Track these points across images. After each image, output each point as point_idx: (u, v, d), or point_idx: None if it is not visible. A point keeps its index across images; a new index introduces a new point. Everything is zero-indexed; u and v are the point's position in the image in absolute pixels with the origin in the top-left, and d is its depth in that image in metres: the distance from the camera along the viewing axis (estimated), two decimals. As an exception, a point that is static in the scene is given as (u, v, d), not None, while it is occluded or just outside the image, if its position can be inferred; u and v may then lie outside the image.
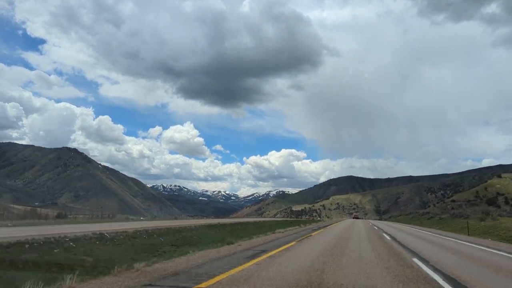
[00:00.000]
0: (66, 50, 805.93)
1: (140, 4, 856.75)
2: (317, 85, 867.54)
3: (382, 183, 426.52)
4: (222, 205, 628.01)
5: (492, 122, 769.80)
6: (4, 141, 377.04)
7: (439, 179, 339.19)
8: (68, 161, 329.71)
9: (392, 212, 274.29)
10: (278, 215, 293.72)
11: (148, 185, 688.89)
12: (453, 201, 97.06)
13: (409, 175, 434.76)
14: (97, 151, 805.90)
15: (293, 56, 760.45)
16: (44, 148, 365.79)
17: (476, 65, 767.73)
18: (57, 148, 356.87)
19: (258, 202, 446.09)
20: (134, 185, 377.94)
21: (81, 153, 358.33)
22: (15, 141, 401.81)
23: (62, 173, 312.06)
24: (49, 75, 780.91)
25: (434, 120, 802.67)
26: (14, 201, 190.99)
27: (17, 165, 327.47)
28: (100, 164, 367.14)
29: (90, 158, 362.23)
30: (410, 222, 58.52)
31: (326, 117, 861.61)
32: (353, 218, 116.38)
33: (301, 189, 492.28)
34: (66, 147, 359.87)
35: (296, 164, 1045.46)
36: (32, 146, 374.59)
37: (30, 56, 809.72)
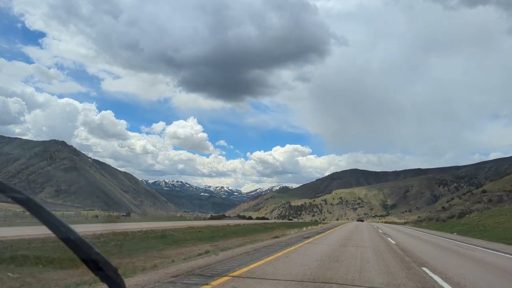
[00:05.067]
0: (66, 44, 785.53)
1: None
2: (323, 76, 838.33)
3: (389, 176, 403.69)
4: (222, 201, 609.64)
5: (502, 115, 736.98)
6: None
7: (450, 171, 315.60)
8: (54, 154, 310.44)
9: (400, 207, 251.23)
10: (276, 210, 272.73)
11: (150, 181, 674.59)
12: (484, 191, 76.34)
13: (417, 167, 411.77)
14: (100, 147, 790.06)
15: (299, 45, 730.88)
16: (31, 141, 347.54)
17: (488, 54, 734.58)
18: (44, 141, 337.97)
19: (258, 197, 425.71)
20: (126, 180, 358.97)
21: (70, 146, 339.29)
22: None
23: (47, 167, 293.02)
24: (50, 69, 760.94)
25: (442, 113, 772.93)
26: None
27: (0, 158, 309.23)
28: (90, 158, 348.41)
29: (79, 151, 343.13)
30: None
31: (331, 111, 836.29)
32: (357, 221, 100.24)
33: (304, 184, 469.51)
34: (54, 140, 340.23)
35: (301, 160, 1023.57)
36: (19, 139, 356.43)
37: (31, 51, 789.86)
